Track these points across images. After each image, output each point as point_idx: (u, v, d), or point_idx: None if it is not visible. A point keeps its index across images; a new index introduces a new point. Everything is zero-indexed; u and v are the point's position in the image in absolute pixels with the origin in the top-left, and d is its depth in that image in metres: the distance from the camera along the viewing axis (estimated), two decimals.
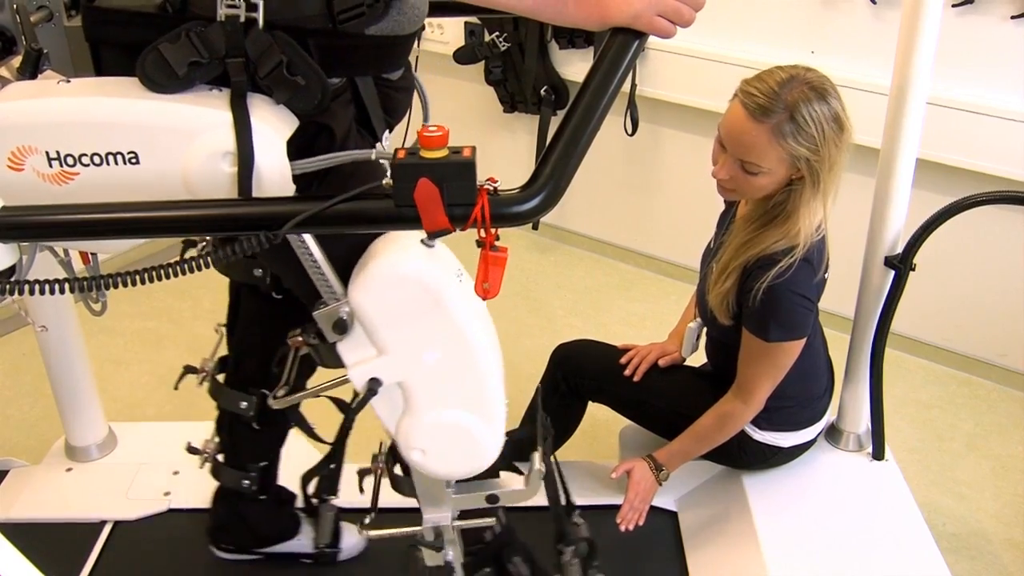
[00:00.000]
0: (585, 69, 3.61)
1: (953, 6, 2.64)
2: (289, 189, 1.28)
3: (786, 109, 1.80)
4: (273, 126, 1.26)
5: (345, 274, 1.41)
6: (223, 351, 2.00)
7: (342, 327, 1.40)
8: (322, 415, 1.77)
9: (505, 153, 3.84)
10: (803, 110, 1.80)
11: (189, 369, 1.99)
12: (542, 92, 3.50)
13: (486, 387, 1.47)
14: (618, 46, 1.18)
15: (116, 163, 1.26)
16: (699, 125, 3.29)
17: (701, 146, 3.26)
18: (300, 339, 1.50)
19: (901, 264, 2.11)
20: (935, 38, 1.93)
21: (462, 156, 1.14)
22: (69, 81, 1.31)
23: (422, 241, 1.36)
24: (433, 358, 1.42)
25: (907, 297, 2.15)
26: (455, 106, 3.85)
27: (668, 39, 1.19)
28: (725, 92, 1.93)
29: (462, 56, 3.45)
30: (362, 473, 1.77)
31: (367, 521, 1.69)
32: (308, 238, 1.36)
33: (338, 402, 1.69)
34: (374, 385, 1.43)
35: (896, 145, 2.05)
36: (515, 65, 3.50)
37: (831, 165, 1.86)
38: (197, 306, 3.49)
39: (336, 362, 1.47)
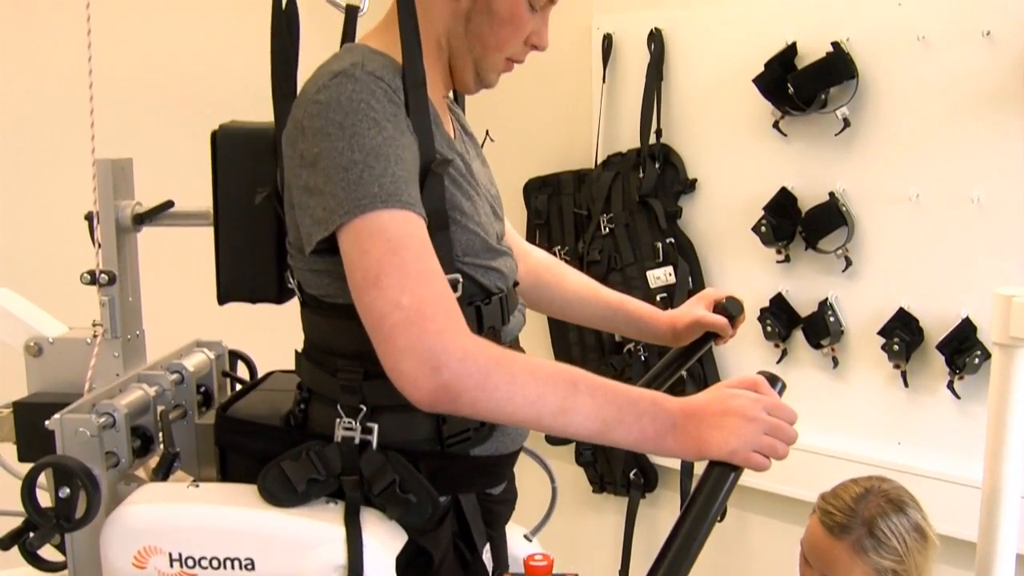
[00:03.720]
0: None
1: None
2: None
3: (864, 524, 1.82)
4: (384, 542, 1.32)
5: None
6: None
7: None
8: None
9: (593, 534, 3.83)
10: (881, 524, 1.82)
11: None
12: (631, 475, 3.55)
13: None
14: (715, 478, 1.25)
15: (232, 568, 1.32)
16: (787, 512, 3.27)
17: (789, 533, 3.21)
18: None
19: None
20: None
21: None
22: (198, 486, 1.41)
23: None
24: None
25: None
26: (547, 488, 3.89)
27: (763, 472, 1.25)
28: (811, 481, 1.95)
29: (554, 438, 3.53)
30: None
31: None
32: None
33: None
34: None
35: (993, 543, 2.00)
36: (605, 449, 3.58)
37: (919, 574, 1.85)
38: None
39: None
